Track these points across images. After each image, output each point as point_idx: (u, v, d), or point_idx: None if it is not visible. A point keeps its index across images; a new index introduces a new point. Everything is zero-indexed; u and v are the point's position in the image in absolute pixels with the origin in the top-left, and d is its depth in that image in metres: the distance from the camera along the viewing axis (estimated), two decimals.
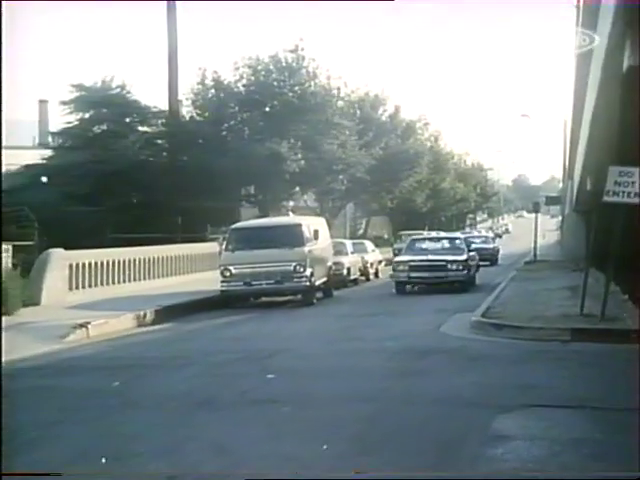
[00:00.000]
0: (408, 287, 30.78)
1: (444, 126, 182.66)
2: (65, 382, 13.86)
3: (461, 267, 30.07)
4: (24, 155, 37.35)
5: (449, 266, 29.90)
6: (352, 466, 8.36)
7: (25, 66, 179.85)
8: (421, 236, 42.09)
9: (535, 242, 53.87)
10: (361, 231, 71.96)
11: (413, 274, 30.23)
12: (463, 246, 32.63)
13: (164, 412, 11.28)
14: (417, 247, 32.91)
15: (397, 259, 32.44)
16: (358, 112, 56.57)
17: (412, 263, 30.31)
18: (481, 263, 43.73)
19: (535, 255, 51.84)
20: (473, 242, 50.37)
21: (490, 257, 52.05)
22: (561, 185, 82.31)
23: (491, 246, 56.18)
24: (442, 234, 46.56)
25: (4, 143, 18.91)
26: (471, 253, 32.79)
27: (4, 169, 32.37)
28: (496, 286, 30.06)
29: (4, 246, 24.53)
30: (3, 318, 20.81)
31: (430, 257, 30.67)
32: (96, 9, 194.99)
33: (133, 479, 7.22)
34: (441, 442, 9.26)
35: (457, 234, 41.99)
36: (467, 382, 12.74)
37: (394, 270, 31.14)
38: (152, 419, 10.99)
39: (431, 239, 36.82)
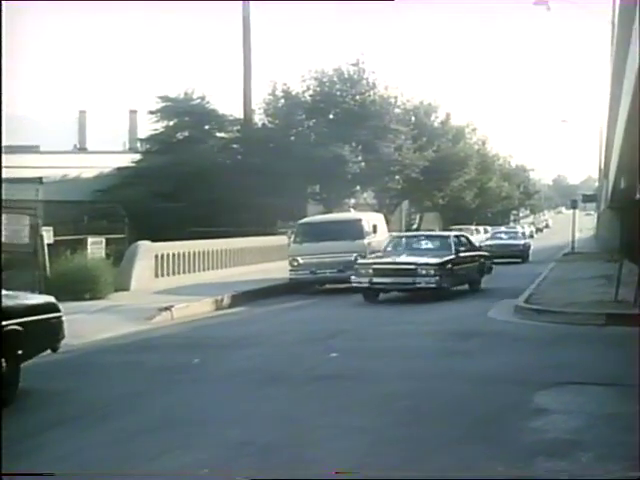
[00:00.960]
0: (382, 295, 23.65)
1: (491, 131, 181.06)
2: (150, 358, 13.98)
3: (432, 272, 22.59)
4: (116, 159, 37.79)
5: (419, 271, 22.68)
6: (406, 436, 8.36)
7: (118, 79, 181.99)
8: (403, 234, 32.82)
9: (573, 236, 53.20)
10: (415, 226, 71.62)
11: (377, 279, 22.99)
12: (450, 248, 24.60)
13: (237, 385, 11.37)
14: (394, 248, 25.59)
15: (360, 261, 24.64)
16: (413, 119, 56.33)
17: (376, 266, 23.42)
18: (511, 260, 40.84)
19: (573, 247, 51.19)
20: (500, 238, 47.17)
21: (520, 254, 44.21)
22: (597, 184, 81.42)
23: (521, 242, 47.23)
24: (430, 232, 36.31)
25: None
26: (463, 254, 24.82)
27: (102, 170, 32.86)
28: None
29: (98, 238, 24.91)
30: (98, 301, 21.09)
31: (397, 260, 23.92)
32: (180, 26, 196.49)
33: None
34: (487, 415, 9.22)
35: (449, 233, 30.70)
36: (509, 361, 12.68)
37: (356, 274, 23.56)
38: (227, 392, 11.06)
39: (415, 237, 28.42)
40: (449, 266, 23.49)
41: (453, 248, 24.64)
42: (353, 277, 23.58)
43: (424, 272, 22.64)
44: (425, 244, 26.01)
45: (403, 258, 23.97)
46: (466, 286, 25.09)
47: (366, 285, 23.17)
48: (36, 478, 6.58)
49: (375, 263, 23.80)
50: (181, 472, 6.76)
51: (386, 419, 9.08)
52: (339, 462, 7.38)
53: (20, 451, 8.31)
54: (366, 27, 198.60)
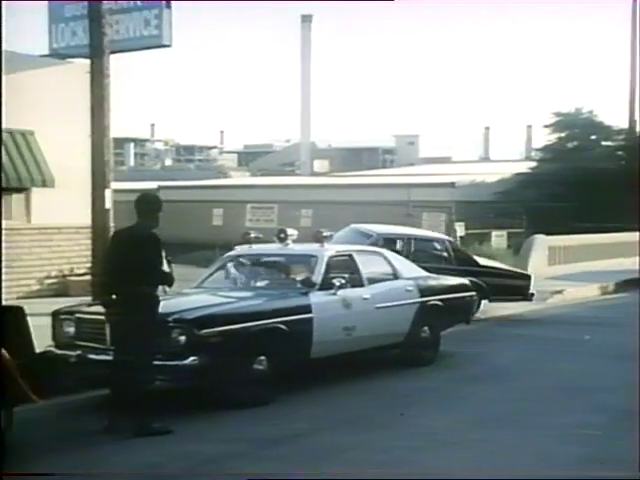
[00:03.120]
0: None
1: None
2: (543, 332, 13.98)
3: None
4: (515, 166, 37.93)
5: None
6: None
7: (517, 98, 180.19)
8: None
9: None
10: None
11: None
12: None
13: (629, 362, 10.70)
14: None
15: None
16: None
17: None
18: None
19: None
20: None
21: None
22: None
23: None
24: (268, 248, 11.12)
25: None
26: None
27: (503, 176, 33.09)
28: None
29: (500, 232, 25.29)
30: None
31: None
32: (567, 45, 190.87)
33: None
34: None
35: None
36: None
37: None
38: (615, 368, 10.74)
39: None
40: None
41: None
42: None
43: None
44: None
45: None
46: None
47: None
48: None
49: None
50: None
51: None
52: None
53: (442, 403, 8.80)
54: None
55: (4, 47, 9.81)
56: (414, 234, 15.55)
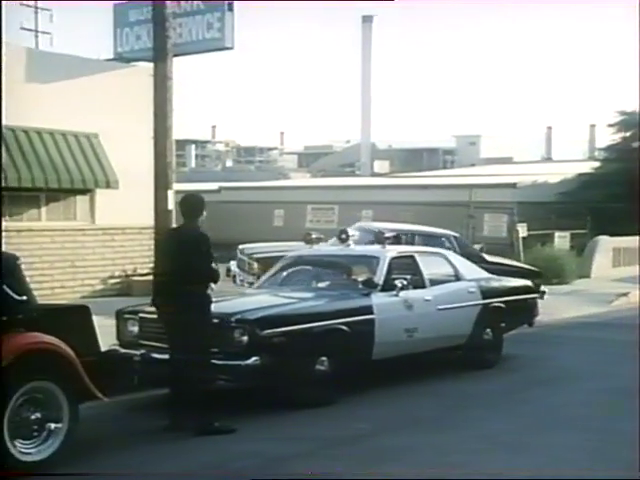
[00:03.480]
0: None
1: None
2: (610, 335, 13.73)
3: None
4: (577, 166, 37.27)
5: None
6: None
7: (580, 97, 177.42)
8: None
9: None
10: None
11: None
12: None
13: None
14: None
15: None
16: None
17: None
18: None
19: None
20: None
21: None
22: None
23: None
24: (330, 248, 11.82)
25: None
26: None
27: (565, 177, 32.55)
28: None
29: (563, 233, 24.89)
30: (563, 286, 20.94)
31: None
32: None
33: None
34: None
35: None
36: None
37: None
38: None
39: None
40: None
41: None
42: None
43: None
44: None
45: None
46: None
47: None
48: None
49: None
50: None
51: None
52: None
53: (504, 405, 8.68)
54: None
55: (71, 52, 10.00)
56: (419, 230, 15.32)
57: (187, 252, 7.49)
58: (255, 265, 14.56)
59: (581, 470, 6.21)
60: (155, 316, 8.30)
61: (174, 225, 7.87)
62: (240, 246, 10.74)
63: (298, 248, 11.54)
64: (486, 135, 71.79)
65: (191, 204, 7.80)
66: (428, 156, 72.24)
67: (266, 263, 13.45)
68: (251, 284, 12.96)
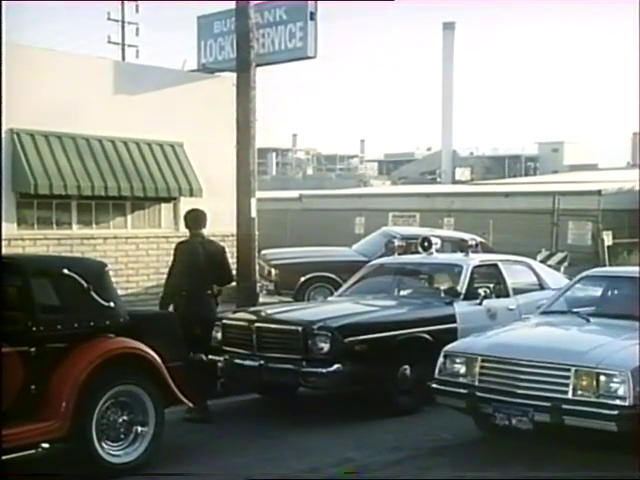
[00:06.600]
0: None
1: None
2: None
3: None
4: (622, 174, 36.17)
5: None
6: None
7: None
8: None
9: None
10: None
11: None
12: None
13: None
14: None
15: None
16: None
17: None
18: None
19: None
20: None
21: None
22: None
23: None
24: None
25: None
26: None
27: None
28: None
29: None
30: None
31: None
32: None
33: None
34: None
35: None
36: None
37: None
38: None
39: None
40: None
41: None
42: None
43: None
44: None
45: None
46: None
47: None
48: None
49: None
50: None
51: None
52: None
53: None
54: None
55: (151, 63, 10.21)
56: (440, 235, 14.97)
57: (212, 260, 8.36)
58: (273, 271, 13.84)
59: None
60: (238, 322, 8.40)
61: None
62: (262, 251, 10.43)
63: (319, 254, 11.51)
64: (569, 141, 70.47)
65: (196, 217, 8.58)
66: (510, 163, 71.29)
67: (285, 270, 13.23)
68: (269, 292, 12.85)
